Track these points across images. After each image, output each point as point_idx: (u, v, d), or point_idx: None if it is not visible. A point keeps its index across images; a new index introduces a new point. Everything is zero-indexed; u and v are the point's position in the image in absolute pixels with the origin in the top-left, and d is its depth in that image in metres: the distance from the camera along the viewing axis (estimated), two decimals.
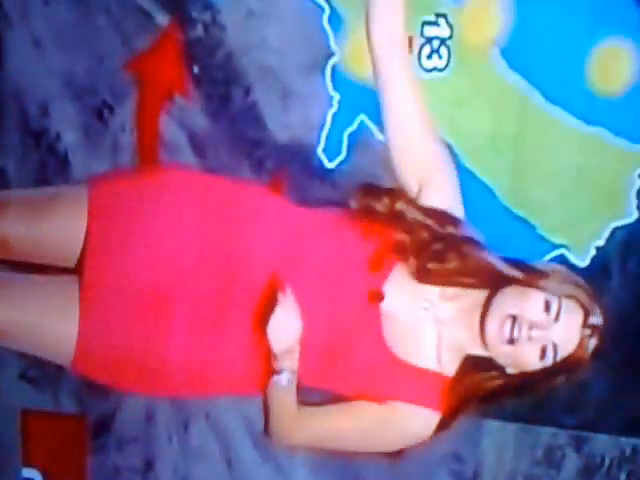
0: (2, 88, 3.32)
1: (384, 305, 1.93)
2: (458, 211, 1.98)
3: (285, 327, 1.87)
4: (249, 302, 1.92)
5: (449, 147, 2.71)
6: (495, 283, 1.92)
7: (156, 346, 1.93)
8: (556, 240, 3.08)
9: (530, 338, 1.87)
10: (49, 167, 3.36)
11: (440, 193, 1.96)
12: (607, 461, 3.21)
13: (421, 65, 3.00)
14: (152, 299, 1.92)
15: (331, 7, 3.07)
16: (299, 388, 1.95)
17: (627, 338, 2.99)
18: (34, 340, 1.97)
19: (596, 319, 1.91)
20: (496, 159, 3.06)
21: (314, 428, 1.98)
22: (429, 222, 1.94)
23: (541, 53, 2.97)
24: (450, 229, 1.94)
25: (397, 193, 1.96)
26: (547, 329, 1.87)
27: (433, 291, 1.94)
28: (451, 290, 1.94)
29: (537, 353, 1.87)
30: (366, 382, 1.95)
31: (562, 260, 2.99)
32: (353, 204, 1.98)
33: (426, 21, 3.01)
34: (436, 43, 3.02)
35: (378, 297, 1.93)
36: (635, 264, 3.08)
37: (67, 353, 1.95)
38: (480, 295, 1.93)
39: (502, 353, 1.90)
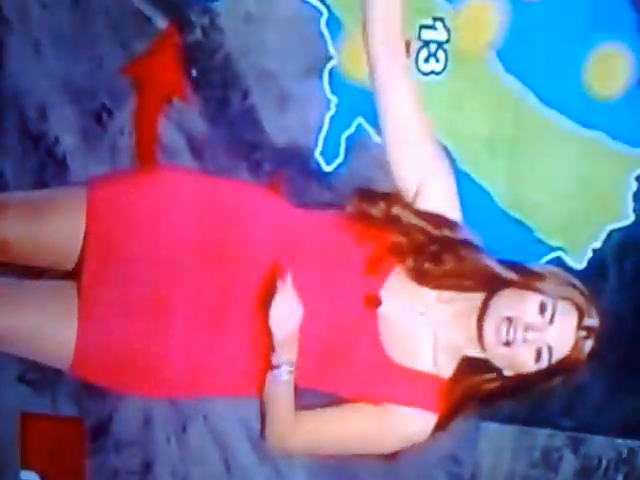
0: (1, 91, 3.33)
1: (381, 309, 1.94)
2: (455, 214, 1.98)
3: (286, 313, 1.88)
4: (247, 302, 1.92)
5: (446, 150, 2.73)
6: (492, 285, 1.93)
7: (155, 347, 1.93)
8: (553, 242, 3.09)
9: (525, 340, 1.87)
10: (48, 170, 3.36)
11: (437, 196, 1.96)
12: (604, 463, 3.22)
13: (418, 68, 3.01)
14: (151, 300, 1.93)
15: (329, 11, 3.08)
16: (296, 390, 1.95)
17: (624, 340, 3.00)
18: (33, 346, 1.98)
19: (592, 321, 1.91)
20: (493, 162, 3.07)
21: (310, 431, 1.98)
22: (425, 226, 1.94)
23: (538, 57, 2.98)
24: (446, 232, 1.95)
25: (393, 197, 1.97)
26: (542, 331, 1.87)
27: (430, 295, 1.95)
28: (447, 294, 1.95)
29: (532, 355, 1.88)
30: (363, 384, 1.95)
31: (559, 262, 2.99)
32: (349, 209, 1.99)
33: (423, 25, 3.02)
34: (433, 47, 3.03)
35: (375, 302, 1.93)
36: (631, 266, 3.09)
37: (66, 357, 1.95)
38: (476, 297, 1.93)
39: (498, 355, 1.91)
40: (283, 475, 3.39)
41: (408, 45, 1.97)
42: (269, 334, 1.89)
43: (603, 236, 3.07)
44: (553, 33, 2.98)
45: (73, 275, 1.98)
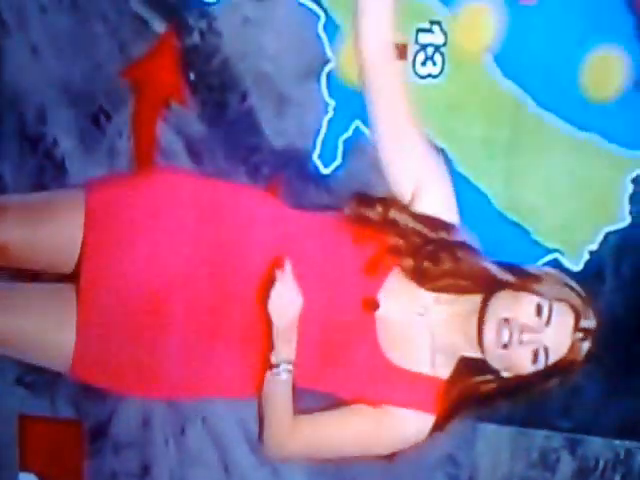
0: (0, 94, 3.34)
1: (379, 311, 1.95)
2: (453, 216, 1.99)
3: (286, 300, 1.88)
4: (246, 304, 1.93)
5: (443, 152, 2.74)
6: (489, 287, 1.93)
7: (154, 348, 1.94)
8: (550, 244, 3.09)
9: (521, 342, 1.88)
10: (46, 173, 3.36)
11: (434, 199, 1.96)
12: (601, 464, 3.22)
13: (415, 72, 3.02)
14: (149, 302, 1.93)
15: (327, 14, 3.09)
16: (294, 394, 1.96)
17: (621, 341, 3.00)
18: (33, 349, 1.99)
19: (589, 322, 1.92)
20: (490, 164, 3.08)
21: (308, 435, 1.99)
22: (422, 229, 1.95)
23: (534, 60, 2.99)
24: (443, 235, 1.95)
25: (390, 201, 1.97)
26: (539, 333, 1.88)
27: (428, 296, 1.96)
28: (445, 296, 1.96)
29: (529, 357, 1.89)
30: (361, 384, 1.96)
31: (556, 264, 2.99)
32: (347, 212, 1.99)
33: (420, 28, 3.02)
34: (430, 50, 3.03)
35: (373, 305, 1.94)
36: (628, 268, 3.09)
37: (65, 360, 1.96)
38: (474, 299, 1.94)
39: (496, 357, 1.91)
40: (282, 477, 3.39)
41: (405, 48, 1.96)
42: (269, 324, 1.89)
43: (600, 238, 3.07)
44: (550, 36, 2.98)
45: (71, 278, 1.99)
